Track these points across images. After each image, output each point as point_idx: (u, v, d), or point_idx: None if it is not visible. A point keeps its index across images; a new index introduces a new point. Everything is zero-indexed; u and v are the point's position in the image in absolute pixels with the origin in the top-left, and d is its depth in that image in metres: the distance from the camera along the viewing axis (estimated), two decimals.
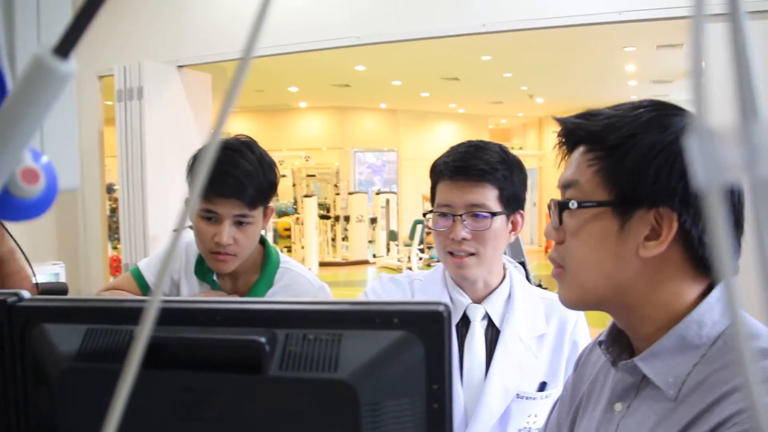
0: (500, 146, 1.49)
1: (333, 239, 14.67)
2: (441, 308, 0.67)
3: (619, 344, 0.97)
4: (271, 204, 1.67)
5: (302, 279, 1.71)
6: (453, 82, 11.71)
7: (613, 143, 0.87)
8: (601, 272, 0.88)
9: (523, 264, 2.47)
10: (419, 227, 13.35)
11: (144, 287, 1.72)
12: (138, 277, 1.75)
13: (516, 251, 3.06)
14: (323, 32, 4.34)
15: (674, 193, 0.83)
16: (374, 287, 1.60)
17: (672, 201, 0.83)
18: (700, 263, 0.86)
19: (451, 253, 1.45)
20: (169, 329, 0.72)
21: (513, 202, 1.46)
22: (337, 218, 14.82)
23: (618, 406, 0.93)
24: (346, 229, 14.60)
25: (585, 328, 1.52)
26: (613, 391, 0.95)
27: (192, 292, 1.68)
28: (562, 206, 0.91)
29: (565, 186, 0.93)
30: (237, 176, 1.54)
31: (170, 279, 1.73)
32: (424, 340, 0.67)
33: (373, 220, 14.65)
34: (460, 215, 1.42)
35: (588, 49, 8.80)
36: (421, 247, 13.51)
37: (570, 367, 1.48)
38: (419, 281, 1.60)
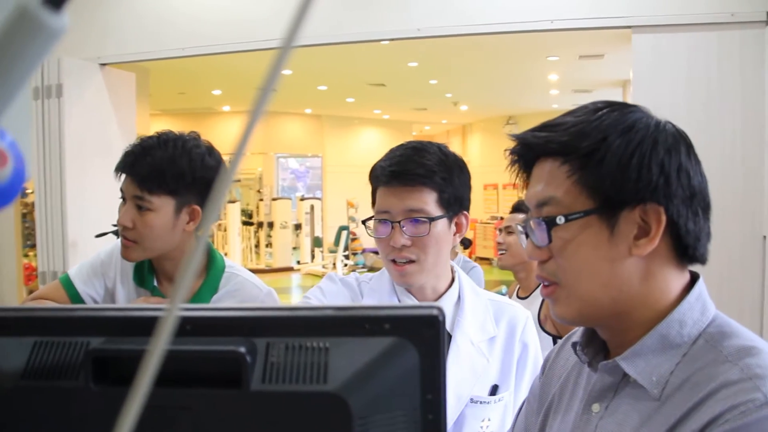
0: (439, 147, 1.44)
1: (256, 246, 14.44)
2: (435, 312, 0.62)
3: (594, 345, 0.97)
4: (196, 205, 1.55)
5: (249, 284, 1.63)
6: (379, 88, 11.72)
7: (587, 150, 0.87)
8: (599, 280, 0.88)
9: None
10: (344, 233, 13.29)
11: (74, 296, 1.60)
12: (68, 285, 1.63)
13: None
14: (250, 33, 4.23)
15: (657, 187, 0.84)
16: (322, 285, 1.53)
17: (657, 195, 0.85)
18: (684, 252, 0.88)
19: (393, 261, 1.41)
20: (133, 341, 0.64)
21: (455, 203, 1.42)
22: (260, 224, 14.60)
23: (596, 407, 0.93)
24: (269, 236, 14.41)
25: (533, 329, 1.52)
26: (590, 393, 0.94)
27: (130, 299, 1.57)
28: (550, 223, 0.89)
29: (539, 204, 0.91)
30: (133, 151, 1.48)
31: (104, 287, 1.62)
32: (419, 346, 0.63)
33: (298, 227, 14.51)
34: (399, 222, 1.38)
35: (513, 58, 8.98)
36: (346, 253, 13.46)
37: (521, 369, 1.48)
38: (366, 283, 1.54)
